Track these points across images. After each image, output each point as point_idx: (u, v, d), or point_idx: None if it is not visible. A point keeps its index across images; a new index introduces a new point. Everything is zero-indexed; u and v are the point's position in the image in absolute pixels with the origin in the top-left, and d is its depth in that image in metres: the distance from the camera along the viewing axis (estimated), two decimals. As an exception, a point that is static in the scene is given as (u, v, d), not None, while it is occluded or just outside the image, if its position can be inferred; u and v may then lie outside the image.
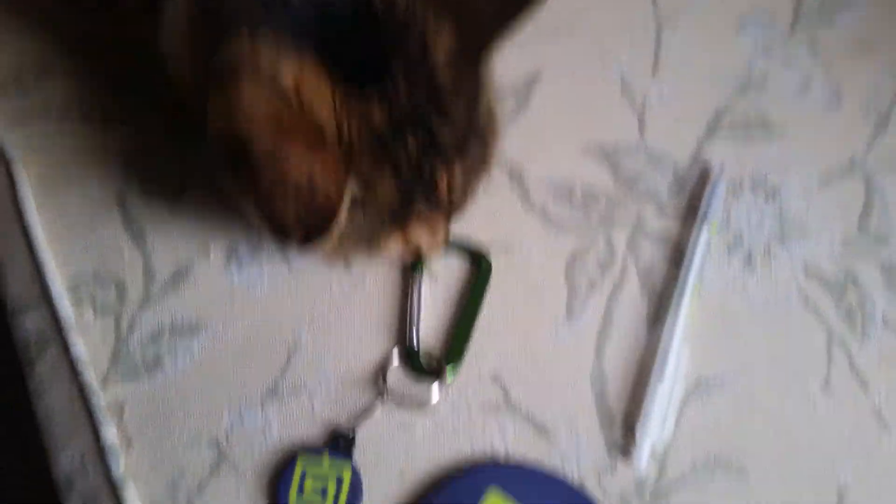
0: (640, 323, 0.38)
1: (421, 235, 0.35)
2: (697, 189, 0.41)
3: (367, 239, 0.34)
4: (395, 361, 0.37)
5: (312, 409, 0.37)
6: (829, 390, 0.37)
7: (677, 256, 0.39)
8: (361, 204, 0.32)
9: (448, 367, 0.37)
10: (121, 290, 0.39)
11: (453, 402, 0.37)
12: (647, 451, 0.35)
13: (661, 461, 0.35)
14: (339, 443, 0.36)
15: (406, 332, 0.38)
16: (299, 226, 0.30)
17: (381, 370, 0.37)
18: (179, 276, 0.39)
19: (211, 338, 0.38)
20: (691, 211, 0.40)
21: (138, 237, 0.40)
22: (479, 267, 0.39)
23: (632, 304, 0.38)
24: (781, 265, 0.39)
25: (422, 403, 0.36)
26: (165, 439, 0.36)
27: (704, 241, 0.39)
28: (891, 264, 0.39)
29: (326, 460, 0.35)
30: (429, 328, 0.38)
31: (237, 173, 0.31)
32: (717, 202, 0.40)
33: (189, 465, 0.36)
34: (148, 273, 0.39)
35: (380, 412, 0.37)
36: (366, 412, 0.37)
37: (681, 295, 0.38)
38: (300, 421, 0.37)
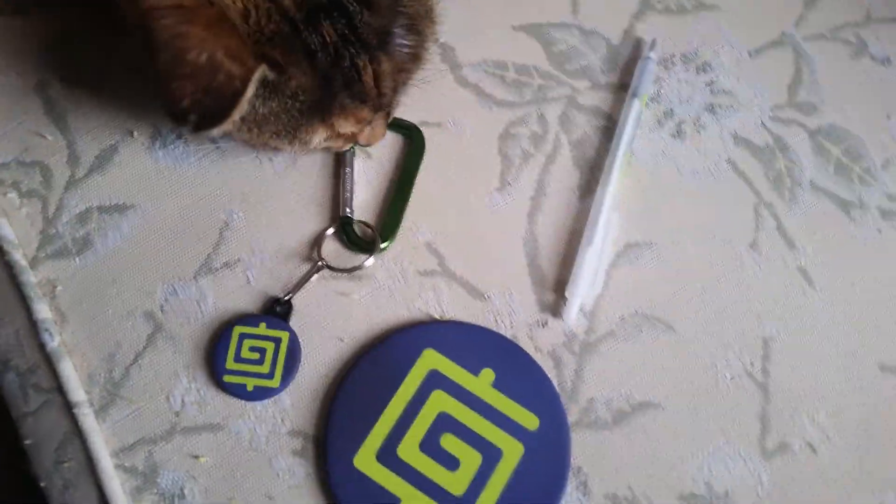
0: (571, 193, 0.47)
1: (347, 126, 0.40)
2: (629, 64, 0.50)
3: (289, 129, 0.39)
4: (330, 231, 0.45)
5: (248, 281, 0.45)
6: (756, 251, 0.46)
7: (609, 129, 0.49)
8: (276, 91, 0.37)
9: (382, 239, 0.45)
10: (46, 174, 0.47)
11: (389, 270, 0.45)
12: (576, 308, 0.44)
13: (591, 317, 0.44)
14: (276, 309, 0.44)
15: (340, 205, 0.46)
16: (195, 108, 0.34)
17: (317, 241, 0.45)
18: (105, 159, 0.47)
19: (141, 217, 0.46)
20: (623, 86, 0.49)
21: (60, 123, 0.48)
22: (412, 142, 0.47)
23: (564, 175, 0.48)
24: (711, 135, 0.49)
25: (356, 273, 0.45)
26: (100, 314, 0.45)
27: (635, 114, 0.48)
28: (818, 131, 0.49)
29: (263, 326, 0.44)
30: (363, 202, 0.47)
31: (147, 56, 0.35)
32: (649, 76, 0.49)
33: (125, 337, 0.44)
34: (72, 157, 0.47)
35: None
36: (301, 281, 0.44)
37: (611, 165, 0.47)
38: (236, 292, 0.45)
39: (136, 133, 0.47)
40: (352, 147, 0.46)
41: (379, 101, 0.40)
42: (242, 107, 0.36)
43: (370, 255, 0.45)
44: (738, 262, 0.45)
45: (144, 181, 0.46)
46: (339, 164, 0.47)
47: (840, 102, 0.48)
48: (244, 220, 0.46)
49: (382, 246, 0.45)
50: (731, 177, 0.47)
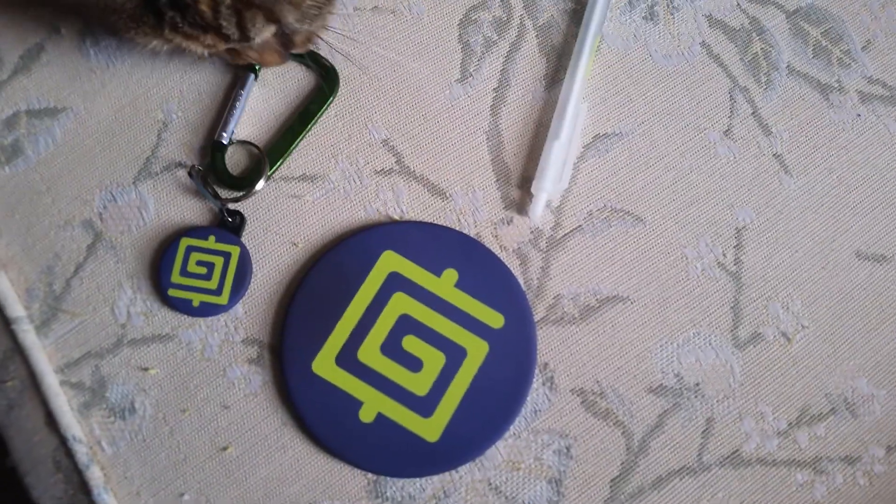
0: (537, 82, 0.49)
1: (194, 47, 0.40)
2: (597, -58, 0.51)
3: (131, 25, 0.40)
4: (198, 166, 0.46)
5: (190, 184, 0.47)
6: (730, 138, 0.48)
7: (577, 13, 0.50)
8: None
9: (269, 165, 0.46)
10: (-34, 77, 0.48)
11: (344, 170, 0.47)
12: (542, 204, 0.46)
13: (557, 213, 0.47)
14: (227, 222, 0.46)
15: (220, 126, 0.46)
16: None
17: (190, 169, 0.46)
18: (30, 58, 0.48)
19: (73, 119, 0.47)
20: (591, -35, 0.50)
21: (-21, 20, 0.48)
22: (325, 81, 0.48)
23: (529, 64, 0.49)
24: (685, 17, 0.50)
25: (308, 174, 0.47)
26: (35, 225, 0.46)
27: (605, -3, 0.50)
28: (797, 13, 0.51)
29: (213, 239, 0.45)
30: (256, 128, 0.48)
31: None
32: (618, -46, 0.50)
33: (63, 248, 0.46)
34: (-5, 57, 0.48)
35: (264, 182, 0.46)
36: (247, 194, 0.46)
37: (580, 52, 0.49)
38: (179, 199, 0.46)
39: (63, 30, 0.47)
40: (255, 70, 0.47)
41: (220, 30, 0.39)
42: None
43: (249, 192, 0.46)
44: (712, 151, 0.47)
45: (75, 82, 0.47)
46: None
47: (820, -22, 0.50)
48: (183, 119, 0.47)
49: (268, 172, 0.46)
50: (705, 61, 0.49)
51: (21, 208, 0.45)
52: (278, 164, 0.45)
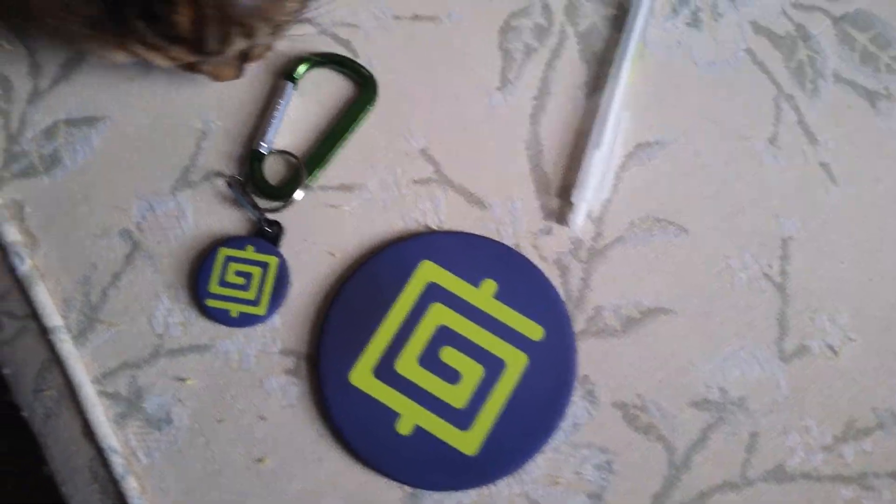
0: (578, 90, 0.50)
1: (155, 58, 0.40)
2: (639, -53, 0.52)
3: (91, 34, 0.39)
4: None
5: (230, 194, 0.48)
6: (775, 146, 0.49)
7: (619, 20, 0.51)
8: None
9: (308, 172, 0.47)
10: (6, 86, 0.49)
11: (382, 179, 0.48)
12: (583, 214, 0.47)
13: (598, 222, 0.47)
14: (266, 232, 0.47)
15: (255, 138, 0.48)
16: None
17: (229, 179, 0.47)
18: (70, 67, 0.50)
19: (111, 128, 0.49)
20: (633, -29, 0.51)
21: (19, 29, 0.50)
22: (362, 91, 0.49)
23: (570, 71, 0.50)
24: (729, 23, 0.51)
25: (346, 184, 0.48)
26: (72, 235, 0.48)
27: (648, 2, 0.50)
28: (844, 18, 0.51)
29: (251, 249, 0.47)
30: (294, 137, 0.49)
31: None
32: (660, -40, 0.51)
33: (101, 258, 0.47)
34: (34, 66, 0.50)
35: (302, 192, 0.47)
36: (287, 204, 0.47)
37: (622, 59, 0.50)
38: (217, 208, 0.48)
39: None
40: (295, 80, 0.48)
41: (199, 46, 0.39)
42: None
43: (287, 201, 0.47)
44: (757, 160, 0.48)
45: (114, 90, 0.49)
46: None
47: (868, -16, 0.50)
48: (222, 128, 0.48)
49: (305, 184, 0.47)
50: (750, 68, 0.49)
51: (59, 218, 0.47)
52: (316, 172, 0.46)
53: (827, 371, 0.44)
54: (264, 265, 0.45)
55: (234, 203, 0.47)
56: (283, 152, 0.47)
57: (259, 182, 0.47)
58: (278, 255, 0.45)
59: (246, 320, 0.45)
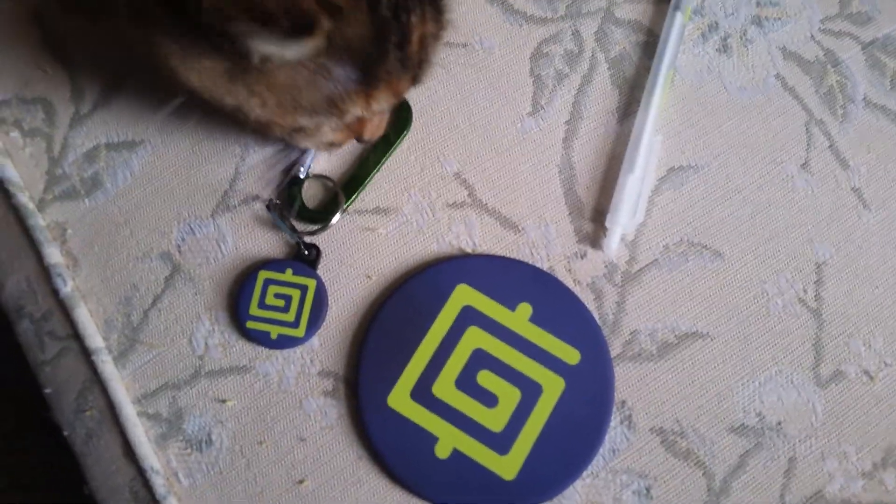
0: (610, 115, 0.49)
1: (384, 100, 0.39)
2: (670, -26, 0.51)
3: (328, 97, 0.37)
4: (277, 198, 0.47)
5: (268, 217, 0.47)
6: (807, 172, 0.48)
7: (649, 45, 0.50)
8: (330, 41, 0.35)
9: (344, 198, 0.47)
10: (49, 111, 0.49)
11: (416, 203, 0.48)
12: (617, 238, 0.46)
13: (632, 247, 0.47)
14: (304, 255, 0.46)
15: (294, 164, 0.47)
16: (285, 14, 0.32)
17: (268, 202, 0.46)
18: (110, 91, 0.49)
19: (150, 153, 0.48)
20: (664, -2, 0.51)
21: (61, 54, 0.50)
22: (398, 116, 0.48)
23: (601, 97, 0.50)
24: (758, 49, 0.50)
25: (381, 207, 0.47)
26: (114, 256, 0.47)
27: (678, 28, 0.50)
28: (873, 44, 0.50)
29: (290, 272, 0.46)
30: (331, 162, 0.48)
31: None
32: (691, -14, 0.51)
33: (141, 280, 0.47)
34: (76, 91, 0.49)
35: (339, 216, 0.47)
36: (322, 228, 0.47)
37: (653, 84, 0.49)
38: (256, 231, 0.47)
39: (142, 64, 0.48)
40: None
41: (417, 69, 0.39)
42: (323, 31, 0.34)
43: (325, 226, 0.46)
44: (789, 184, 0.47)
45: (154, 115, 0.48)
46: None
47: (898, 10, 0.49)
48: (260, 153, 0.47)
49: (342, 208, 0.46)
50: (780, 93, 0.49)
51: (100, 240, 0.46)
52: (353, 197, 0.46)
53: (864, 396, 0.43)
54: (303, 288, 0.45)
55: (274, 227, 0.46)
56: (320, 176, 0.46)
57: (297, 206, 0.46)
58: (317, 277, 0.45)
59: (285, 342, 0.44)
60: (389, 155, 0.47)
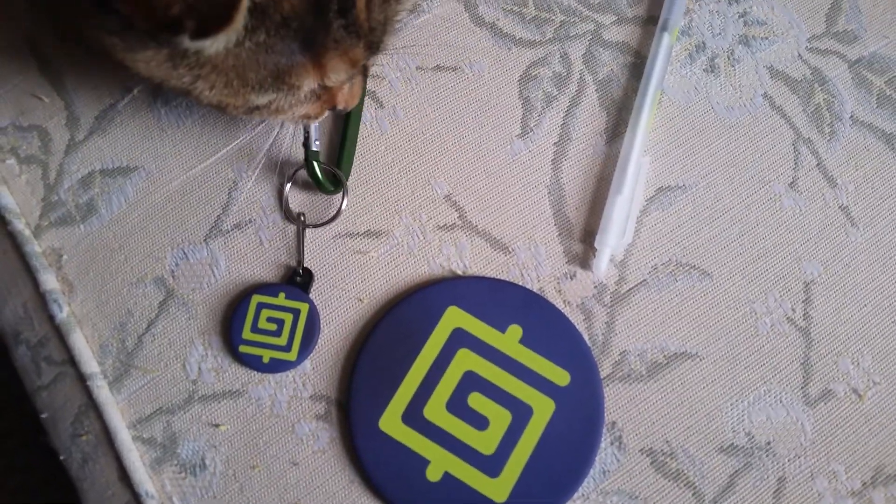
0: (598, 136, 0.49)
1: (339, 70, 0.37)
2: (657, -4, 0.51)
3: (274, 72, 0.36)
4: (288, 186, 0.47)
5: (261, 242, 0.47)
6: (795, 190, 0.47)
7: (637, 67, 0.50)
8: (263, 17, 0.33)
9: (343, 175, 0.46)
10: (44, 138, 0.49)
11: (408, 226, 0.47)
12: (606, 259, 0.45)
13: (621, 267, 0.46)
14: (296, 279, 0.46)
15: (306, 140, 0.46)
16: (190, 13, 0.31)
17: (283, 199, 0.46)
18: (105, 119, 0.49)
19: (145, 178, 0.48)
20: (652, 19, 0.50)
21: (57, 83, 0.50)
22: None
23: (590, 118, 0.49)
24: (746, 69, 0.50)
25: (372, 230, 0.47)
26: (108, 282, 0.47)
27: (665, 49, 0.49)
28: (859, 62, 0.50)
29: (283, 296, 0.45)
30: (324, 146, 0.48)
31: None
32: (679, 8, 0.50)
33: (136, 305, 0.46)
34: (71, 118, 0.49)
35: (331, 240, 0.47)
36: (300, 245, 0.46)
37: (641, 106, 0.48)
38: (249, 255, 0.47)
39: (136, 90, 0.48)
40: None
41: (370, 36, 0.37)
42: (242, 12, 0.33)
43: (340, 196, 0.46)
44: (777, 204, 0.46)
45: (147, 141, 0.48)
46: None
47: (883, 30, 0.49)
48: (253, 178, 0.47)
49: (344, 184, 0.47)
50: (768, 113, 0.48)
51: (95, 266, 0.46)
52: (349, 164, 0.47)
53: (853, 415, 0.43)
54: (296, 311, 0.44)
55: (265, 251, 0.47)
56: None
57: (315, 178, 0.46)
58: (309, 301, 0.44)
59: (277, 366, 0.44)
60: (362, 110, 0.47)
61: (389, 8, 0.39)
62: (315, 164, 0.46)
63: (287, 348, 0.44)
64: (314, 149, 0.46)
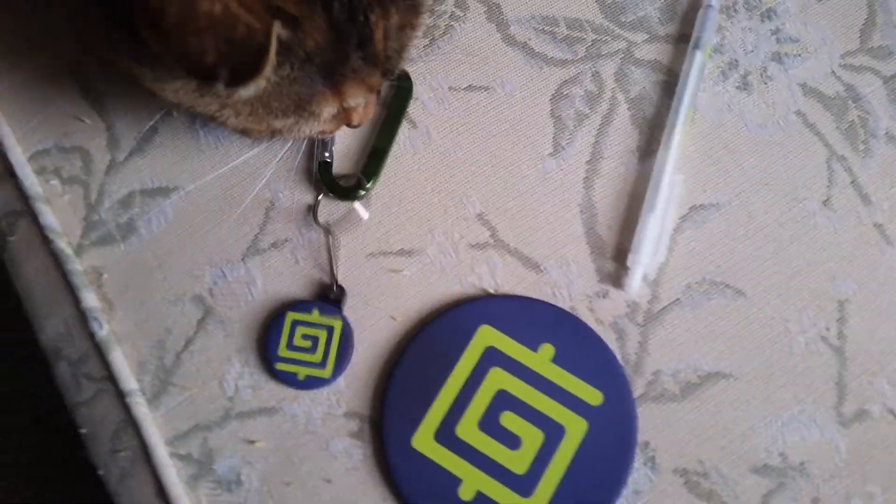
0: (630, 155, 0.48)
1: (356, 96, 0.39)
2: (690, 13, 0.50)
3: (299, 103, 0.38)
4: (320, 197, 0.48)
5: (296, 261, 0.47)
6: (829, 208, 0.47)
7: (669, 85, 0.49)
8: (288, 53, 0.35)
9: (367, 179, 0.47)
10: (86, 159, 0.50)
11: (440, 244, 0.47)
12: (639, 278, 0.45)
13: (654, 286, 0.46)
14: (330, 296, 0.46)
15: (317, 149, 0.47)
16: (224, 62, 0.32)
17: (312, 208, 0.47)
18: (145, 140, 0.50)
19: (183, 198, 0.49)
20: (683, 37, 0.50)
21: (98, 105, 0.50)
22: (398, 87, 0.48)
23: (622, 136, 0.49)
24: (779, 86, 0.49)
25: (405, 248, 0.47)
26: (148, 300, 0.47)
27: (698, 67, 0.49)
28: (894, 78, 0.49)
29: (316, 313, 0.46)
30: (344, 149, 0.49)
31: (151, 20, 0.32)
32: (711, 25, 0.50)
33: (174, 323, 0.47)
34: (112, 140, 0.50)
35: (365, 259, 0.47)
36: (331, 259, 0.47)
37: (673, 123, 0.48)
38: (284, 274, 0.47)
39: (175, 112, 0.49)
40: None
41: (386, 63, 0.39)
42: (271, 61, 0.34)
43: (358, 204, 0.47)
44: (811, 221, 0.46)
45: (186, 162, 0.48)
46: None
47: (919, 44, 0.48)
48: (290, 197, 0.47)
49: (367, 186, 0.47)
50: (801, 130, 0.48)
51: (134, 284, 0.47)
52: (379, 171, 0.48)
53: (889, 436, 0.42)
54: (329, 328, 0.44)
55: (301, 268, 0.48)
56: (342, 176, 0.48)
57: (333, 186, 0.47)
58: (342, 317, 0.45)
59: (312, 383, 0.44)
60: (398, 128, 0.48)
61: (405, 35, 0.40)
62: (326, 174, 0.47)
63: (322, 365, 0.44)
64: (327, 160, 0.47)
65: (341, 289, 0.45)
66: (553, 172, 0.47)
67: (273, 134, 0.42)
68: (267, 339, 0.45)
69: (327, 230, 0.47)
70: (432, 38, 0.50)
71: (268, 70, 0.34)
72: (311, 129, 0.42)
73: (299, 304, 0.45)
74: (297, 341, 0.45)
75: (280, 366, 0.44)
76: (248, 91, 0.35)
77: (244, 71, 0.33)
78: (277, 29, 0.34)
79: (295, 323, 0.45)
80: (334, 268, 0.47)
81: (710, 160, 0.47)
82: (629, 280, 0.44)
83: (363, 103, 0.42)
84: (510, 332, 0.44)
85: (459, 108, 0.49)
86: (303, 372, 0.44)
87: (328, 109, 0.39)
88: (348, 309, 0.45)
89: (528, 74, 0.49)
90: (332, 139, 0.48)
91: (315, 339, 0.45)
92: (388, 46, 0.39)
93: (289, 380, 0.44)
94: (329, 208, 0.48)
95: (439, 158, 0.48)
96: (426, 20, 0.41)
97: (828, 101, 0.48)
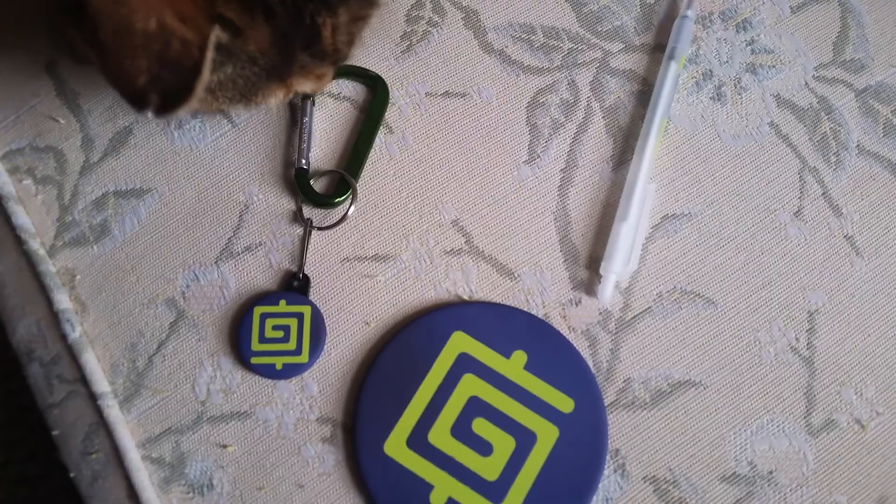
0: (604, 163, 0.49)
1: (305, 85, 0.40)
2: (666, 23, 0.51)
3: (245, 94, 0.38)
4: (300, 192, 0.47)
5: (271, 264, 0.47)
6: (800, 219, 0.47)
7: (644, 94, 0.50)
8: (231, 56, 0.35)
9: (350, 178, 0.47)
10: (60, 159, 0.49)
11: (415, 250, 0.47)
12: (612, 286, 0.45)
13: (627, 294, 0.46)
14: (294, 284, 0.46)
15: (296, 158, 0.48)
16: (155, 86, 0.31)
17: (297, 206, 0.47)
18: (119, 141, 0.49)
19: (158, 201, 0.48)
20: (659, 47, 0.50)
21: (73, 105, 0.50)
22: (375, 92, 0.49)
23: (596, 145, 0.49)
24: (752, 97, 0.50)
25: (380, 254, 0.47)
26: (120, 302, 0.47)
27: (672, 77, 0.49)
28: (866, 91, 0.50)
29: (283, 303, 0.46)
30: (325, 154, 0.49)
31: (82, 31, 0.31)
32: (686, 36, 0.50)
33: (147, 325, 0.46)
34: (86, 140, 0.49)
35: (339, 264, 0.47)
36: (303, 248, 0.47)
37: (647, 133, 0.48)
38: (258, 277, 0.47)
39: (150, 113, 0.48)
40: (311, 97, 0.48)
41: (335, 56, 0.40)
42: (205, 78, 0.33)
43: (333, 207, 0.48)
44: (782, 232, 0.46)
45: (161, 164, 0.48)
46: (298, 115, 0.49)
47: (891, 59, 0.49)
48: (264, 201, 0.47)
49: (339, 199, 0.48)
50: (774, 141, 0.48)
51: (108, 286, 0.46)
52: (358, 175, 0.48)
53: (855, 446, 0.42)
54: (299, 315, 0.45)
55: (274, 271, 0.47)
56: (324, 172, 0.48)
57: (309, 194, 0.47)
58: (310, 303, 0.45)
59: (291, 370, 0.45)
60: (377, 130, 0.49)
61: (356, 27, 0.40)
62: (303, 182, 0.47)
63: (297, 352, 0.44)
64: (304, 167, 0.48)
65: (306, 277, 0.46)
66: (528, 180, 0.47)
67: (223, 111, 0.43)
68: (238, 336, 0.45)
69: (309, 223, 0.47)
70: (410, 43, 0.50)
71: (199, 90, 0.34)
72: (260, 108, 0.42)
73: (265, 297, 0.46)
74: (269, 333, 0.45)
75: (256, 360, 0.44)
76: (186, 108, 0.35)
77: (174, 96, 0.32)
78: (217, 33, 0.34)
79: (264, 316, 0.45)
80: (304, 258, 0.47)
81: (683, 170, 0.47)
82: (602, 288, 0.45)
83: (318, 87, 0.43)
84: (483, 339, 0.44)
85: (436, 114, 0.49)
86: (280, 362, 0.44)
87: (275, 99, 0.40)
88: (323, 311, 0.46)
89: (504, 82, 0.49)
90: (308, 146, 0.48)
91: (286, 328, 0.45)
92: (336, 41, 0.39)
93: (267, 372, 0.45)
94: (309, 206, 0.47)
95: (415, 164, 0.48)
96: (379, 10, 0.41)
97: (801, 112, 0.48)
